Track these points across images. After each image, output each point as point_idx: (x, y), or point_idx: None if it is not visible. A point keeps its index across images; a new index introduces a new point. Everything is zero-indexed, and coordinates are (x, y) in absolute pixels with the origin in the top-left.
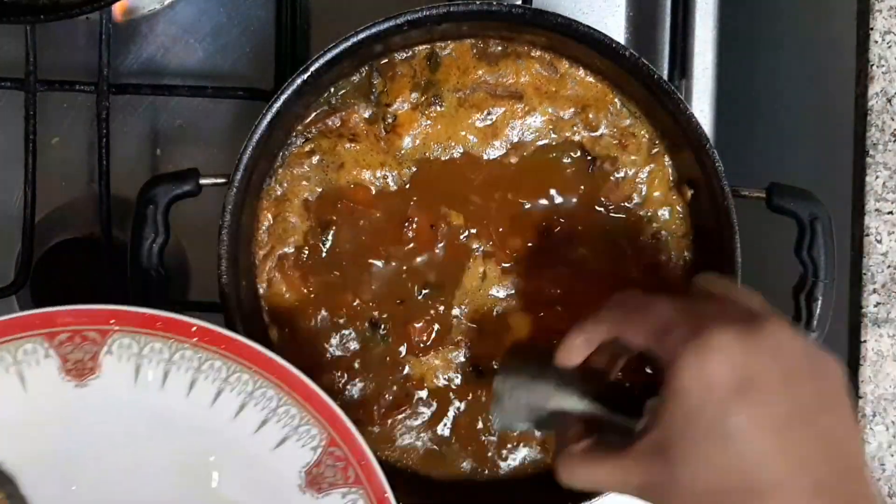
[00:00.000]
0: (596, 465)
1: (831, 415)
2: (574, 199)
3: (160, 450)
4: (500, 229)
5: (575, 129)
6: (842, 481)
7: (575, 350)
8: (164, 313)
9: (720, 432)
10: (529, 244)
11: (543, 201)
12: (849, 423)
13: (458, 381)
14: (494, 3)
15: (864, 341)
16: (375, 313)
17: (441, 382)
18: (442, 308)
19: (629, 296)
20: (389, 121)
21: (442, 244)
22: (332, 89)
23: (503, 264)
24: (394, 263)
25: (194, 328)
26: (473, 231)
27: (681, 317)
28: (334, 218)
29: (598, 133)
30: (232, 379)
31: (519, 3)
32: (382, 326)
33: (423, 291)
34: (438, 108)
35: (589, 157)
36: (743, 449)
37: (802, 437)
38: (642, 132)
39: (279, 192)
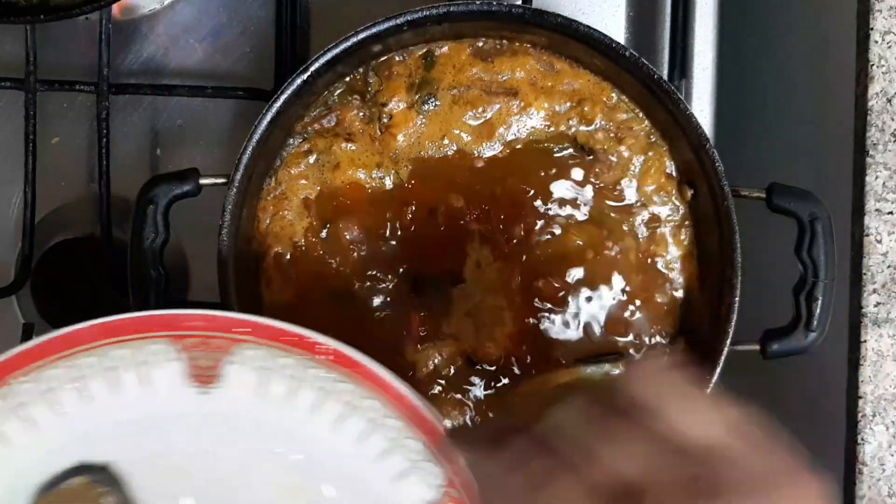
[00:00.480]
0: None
1: None
2: (571, 192)
3: (273, 465)
4: (498, 219)
5: (571, 122)
6: None
7: None
8: (296, 328)
9: None
10: (525, 235)
11: (539, 199)
12: None
13: (451, 372)
14: (494, 3)
15: (864, 341)
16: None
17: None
18: (440, 298)
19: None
20: (385, 120)
21: (442, 227)
22: (330, 89)
23: (500, 251)
24: (392, 256)
25: (326, 347)
26: (472, 218)
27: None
28: (333, 216)
29: (593, 127)
30: (359, 403)
31: (519, 3)
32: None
33: (424, 283)
34: (433, 107)
35: (583, 150)
36: None
37: None
38: (640, 126)
39: (278, 192)
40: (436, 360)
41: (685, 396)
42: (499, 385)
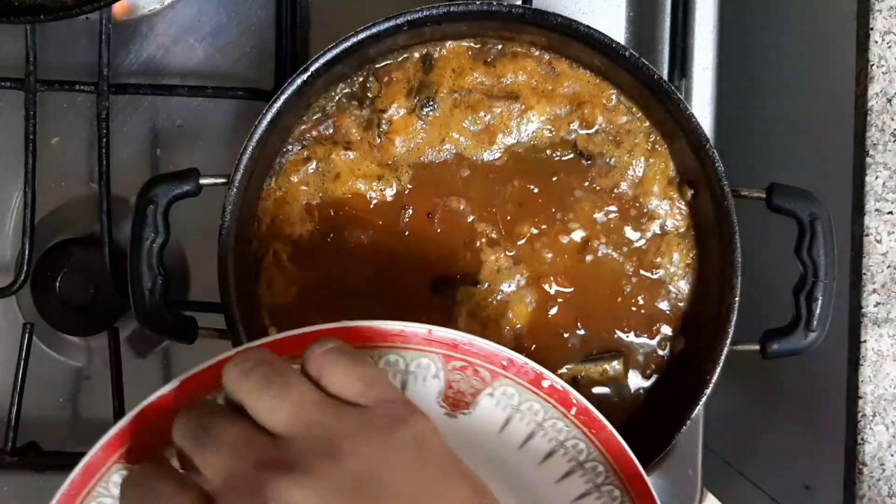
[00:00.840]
0: None
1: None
2: (573, 196)
3: None
4: (501, 222)
5: (572, 126)
6: None
7: None
8: (556, 379)
9: None
10: (530, 234)
11: (542, 201)
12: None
13: None
14: (494, 3)
15: (864, 341)
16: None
17: None
18: (445, 297)
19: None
20: (384, 127)
21: (443, 231)
22: (327, 94)
23: (506, 253)
24: (396, 257)
25: (576, 403)
26: (475, 220)
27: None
28: (335, 221)
29: (593, 130)
30: (587, 465)
31: (519, 3)
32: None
33: (428, 282)
34: (433, 112)
35: (582, 154)
36: None
37: None
38: (640, 129)
39: (279, 194)
40: None
41: (268, 389)
42: None
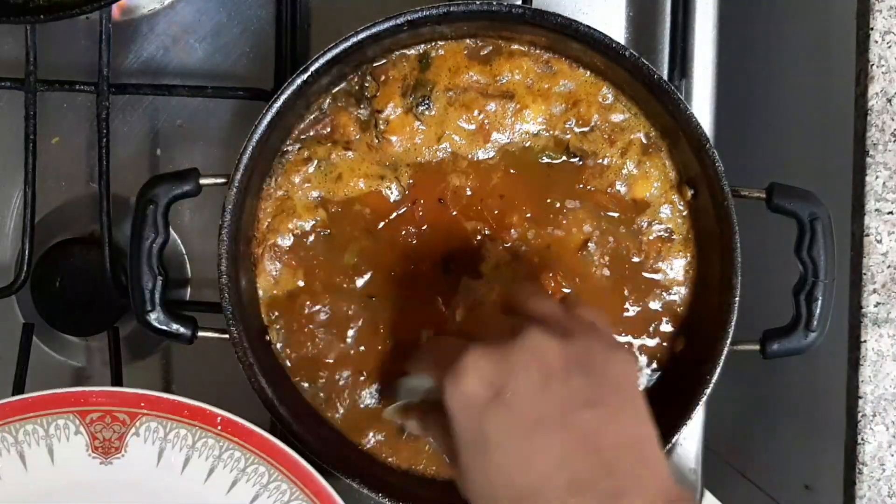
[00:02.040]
0: (439, 438)
1: (599, 408)
2: (569, 196)
3: None
4: (500, 220)
5: (567, 125)
6: (602, 474)
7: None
8: (192, 402)
9: (479, 445)
10: (527, 233)
11: (538, 200)
12: (623, 412)
13: None
14: (494, 3)
15: (864, 341)
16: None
17: None
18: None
19: (431, 341)
20: (381, 127)
21: (454, 212)
22: (327, 94)
23: (504, 245)
24: (395, 253)
25: (219, 419)
26: (473, 218)
27: (452, 346)
28: (336, 222)
29: (588, 128)
30: (249, 470)
31: (519, 3)
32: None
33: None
34: (429, 111)
35: (576, 154)
36: (499, 457)
37: (558, 436)
38: (636, 127)
39: (280, 194)
40: None
41: (536, 294)
42: None
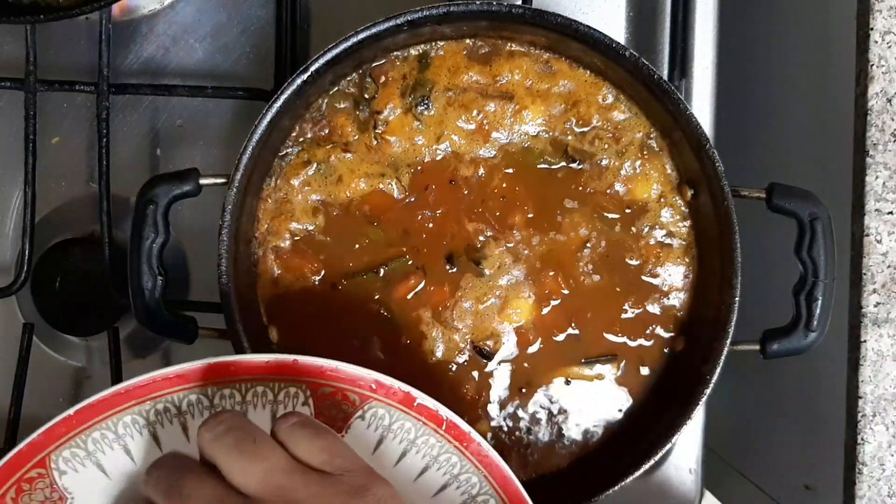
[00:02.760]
0: None
1: None
2: (568, 197)
3: None
4: (500, 218)
5: (566, 125)
6: None
7: None
8: (424, 396)
9: None
10: (526, 233)
11: (537, 200)
12: None
13: (464, 360)
14: (494, 3)
15: (864, 341)
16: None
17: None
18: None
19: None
20: (380, 129)
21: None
22: (326, 94)
23: (507, 245)
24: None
25: (446, 419)
26: (474, 216)
27: None
28: (338, 222)
29: (588, 128)
30: (462, 478)
31: (519, 3)
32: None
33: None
34: (428, 111)
35: (573, 159)
36: None
37: None
38: (636, 127)
39: (279, 195)
40: (441, 349)
41: (240, 454)
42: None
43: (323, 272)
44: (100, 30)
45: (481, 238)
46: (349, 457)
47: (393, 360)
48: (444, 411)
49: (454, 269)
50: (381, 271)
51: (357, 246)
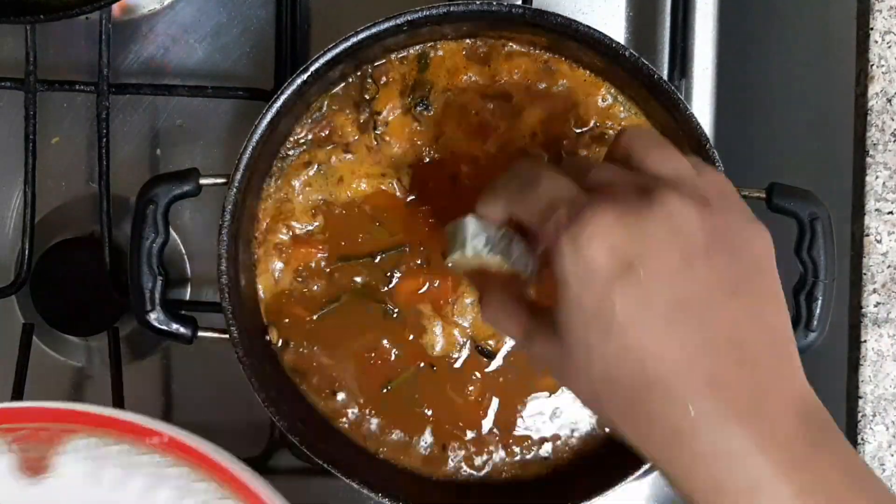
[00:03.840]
0: (508, 319)
1: (743, 296)
2: None
3: None
4: None
5: (565, 126)
6: (744, 371)
7: (489, 219)
8: (126, 415)
9: (603, 323)
10: None
11: None
12: (766, 302)
13: (464, 355)
14: (494, 3)
15: (864, 341)
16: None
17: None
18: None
19: (525, 166)
20: (380, 130)
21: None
22: (326, 95)
23: None
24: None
25: (156, 433)
26: None
27: (567, 193)
28: (339, 223)
29: (587, 129)
30: (191, 486)
31: (519, 3)
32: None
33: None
34: (426, 112)
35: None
36: (628, 340)
37: (700, 324)
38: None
39: (280, 195)
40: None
41: (662, 147)
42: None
43: (325, 261)
44: (100, 30)
45: None
46: (733, 190)
47: (393, 359)
48: (151, 423)
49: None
50: (378, 258)
51: (360, 240)
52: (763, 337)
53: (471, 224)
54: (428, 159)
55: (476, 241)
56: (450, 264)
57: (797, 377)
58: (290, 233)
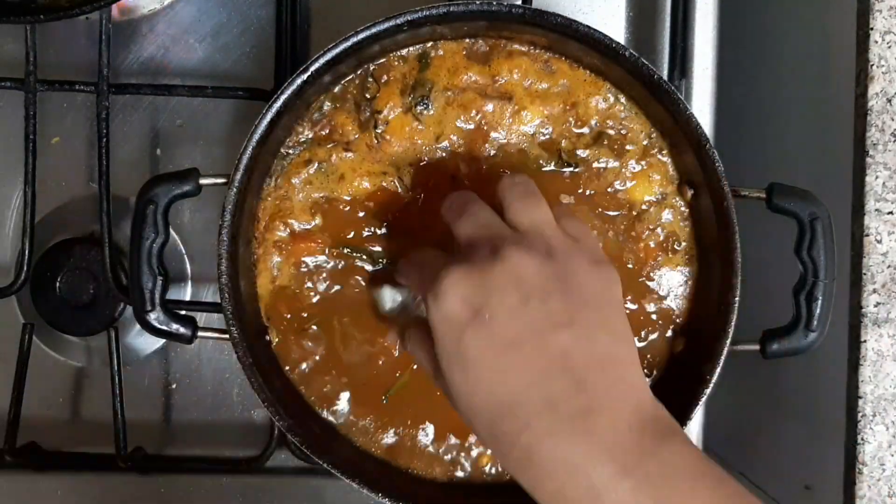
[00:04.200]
0: (423, 353)
1: (576, 328)
2: (567, 198)
3: None
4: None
5: (565, 126)
6: (573, 392)
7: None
8: None
9: (460, 360)
10: None
11: None
12: (597, 332)
13: None
14: (494, 3)
15: (864, 341)
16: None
17: None
18: None
19: (420, 251)
20: (380, 129)
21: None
22: (326, 94)
23: None
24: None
25: None
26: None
27: (434, 261)
28: (339, 222)
29: (587, 129)
30: None
31: (519, 3)
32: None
33: None
34: (427, 111)
35: (570, 165)
36: (478, 373)
37: (536, 354)
38: (635, 128)
39: (280, 192)
40: None
41: (526, 198)
42: None
43: (324, 259)
44: (100, 30)
45: None
46: (594, 240)
47: (393, 360)
48: None
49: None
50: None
51: (361, 236)
52: (592, 363)
53: (387, 292)
54: (428, 159)
55: (392, 303)
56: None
57: (631, 395)
58: (289, 230)
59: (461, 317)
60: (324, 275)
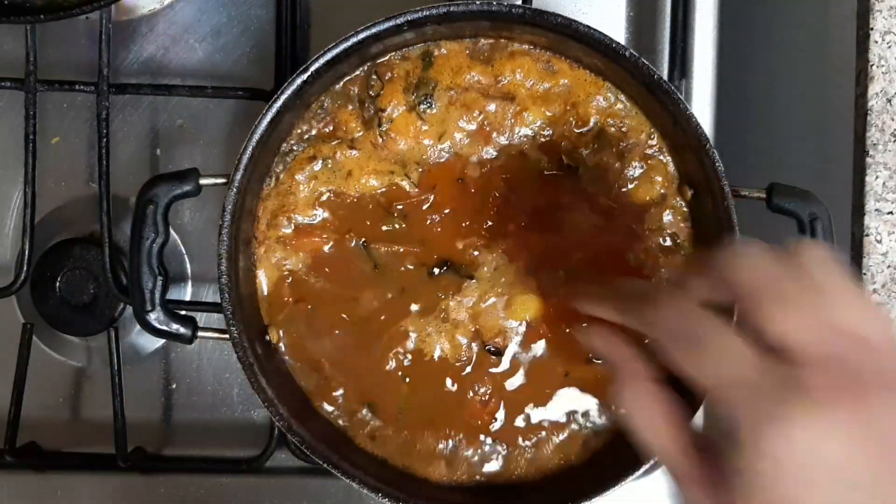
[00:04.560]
0: (659, 427)
1: None
2: (568, 197)
3: None
4: (502, 216)
5: (565, 127)
6: None
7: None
8: None
9: None
10: (524, 234)
11: (538, 200)
12: None
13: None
14: (494, 3)
15: None
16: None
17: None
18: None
19: (642, 285)
20: (385, 127)
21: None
22: (329, 93)
23: (501, 251)
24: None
25: None
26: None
27: (750, 371)
28: (339, 221)
29: (587, 129)
30: None
31: (519, 3)
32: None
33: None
34: (430, 110)
35: (570, 167)
36: None
37: None
38: (636, 128)
39: (283, 188)
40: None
41: (846, 290)
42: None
43: (322, 271)
44: (100, 30)
45: (479, 242)
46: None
47: (393, 360)
48: None
49: (451, 269)
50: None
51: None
52: None
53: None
54: (432, 160)
55: None
56: None
57: None
58: (294, 225)
59: (827, 480)
60: (325, 273)
